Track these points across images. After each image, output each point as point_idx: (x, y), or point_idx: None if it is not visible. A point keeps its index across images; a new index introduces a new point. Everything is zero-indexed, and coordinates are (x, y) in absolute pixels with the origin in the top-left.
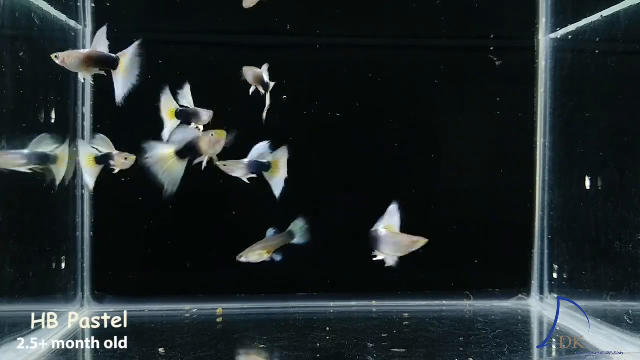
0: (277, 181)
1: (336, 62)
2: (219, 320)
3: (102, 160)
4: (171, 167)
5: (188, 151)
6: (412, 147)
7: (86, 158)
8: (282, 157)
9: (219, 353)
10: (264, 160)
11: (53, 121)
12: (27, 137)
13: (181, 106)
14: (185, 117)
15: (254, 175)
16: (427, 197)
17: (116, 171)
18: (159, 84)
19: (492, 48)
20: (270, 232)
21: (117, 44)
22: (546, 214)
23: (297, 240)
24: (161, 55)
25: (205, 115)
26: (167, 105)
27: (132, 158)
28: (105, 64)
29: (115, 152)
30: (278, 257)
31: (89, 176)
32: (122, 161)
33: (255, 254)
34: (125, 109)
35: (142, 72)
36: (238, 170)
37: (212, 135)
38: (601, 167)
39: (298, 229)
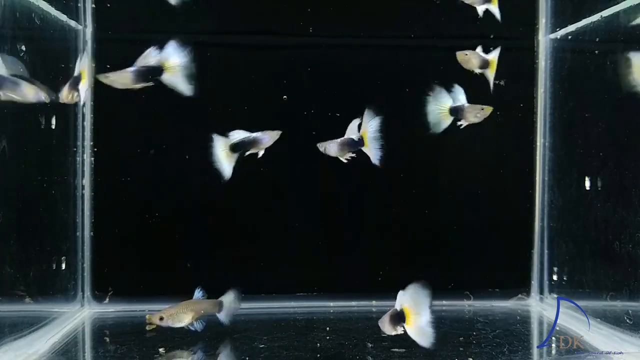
0: (373, 153)
1: (336, 62)
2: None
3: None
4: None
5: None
6: (412, 147)
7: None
8: (368, 127)
9: (219, 353)
10: (354, 137)
11: (53, 120)
12: (27, 138)
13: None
14: None
15: (353, 155)
16: (427, 197)
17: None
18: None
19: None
20: (198, 293)
21: (118, 44)
22: (546, 214)
23: (224, 317)
24: None
25: None
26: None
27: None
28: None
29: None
30: (200, 326)
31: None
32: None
33: (178, 319)
34: (125, 110)
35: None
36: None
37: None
38: (601, 167)
39: (228, 302)
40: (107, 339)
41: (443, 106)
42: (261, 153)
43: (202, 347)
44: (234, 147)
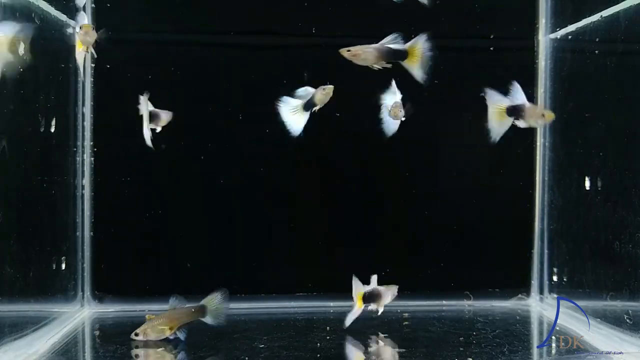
0: (417, 69)
1: (336, 62)
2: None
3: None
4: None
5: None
6: (412, 147)
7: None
8: (420, 42)
9: (219, 353)
10: (401, 47)
11: (53, 121)
12: (27, 138)
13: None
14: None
15: (389, 65)
16: (427, 197)
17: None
18: (158, 84)
19: (492, 48)
20: (173, 300)
21: (117, 44)
22: (546, 214)
23: (210, 320)
24: (161, 55)
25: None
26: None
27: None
28: None
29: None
30: (182, 335)
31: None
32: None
33: (154, 331)
34: (125, 110)
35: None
36: (369, 56)
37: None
38: (601, 167)
39: (213, 305)
40: (97, 333)
41: (500, 106)
42: (316, 108)
43: (201, 347)
44: (306, 106)
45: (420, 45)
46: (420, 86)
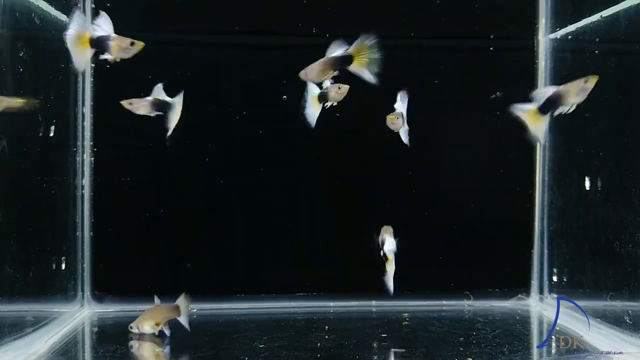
0: (366, 72)
1: None
2: None
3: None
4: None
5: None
6: (412, 147)
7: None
8: (363, 44)
9: (219, 353)
10: (344, 53)
11: (53, 121)
12: (27, 138)
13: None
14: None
15: (336, 73)
16: (427, 197)
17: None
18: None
19: (492, 48)
20: (157, 300)
21: None
22: (546, 214)
23: (184, 319)
24: (161, 55)
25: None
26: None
27: (139, 45)
28: None
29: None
30: (167, 331)
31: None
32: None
33: (147, 325)
34: (125, 110)
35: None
36: (315, 72)
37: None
38: (601, 167)
39: (185, 305)
40: (96, 330)
41: (530, 110)
42: (327, 105)
43: (201, 347)
44: (320, 97)
45: (364, 47)
46: (420, 84)
